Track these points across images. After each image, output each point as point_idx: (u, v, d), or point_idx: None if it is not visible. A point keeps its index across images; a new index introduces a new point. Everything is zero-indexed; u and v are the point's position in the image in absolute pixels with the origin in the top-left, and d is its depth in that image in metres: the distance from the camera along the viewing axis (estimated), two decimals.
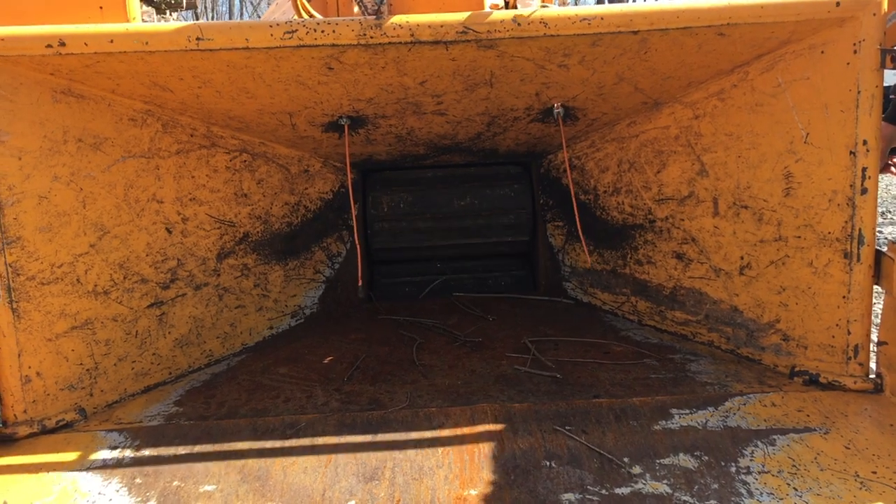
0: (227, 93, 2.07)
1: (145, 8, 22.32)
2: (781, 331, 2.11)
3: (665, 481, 1.67)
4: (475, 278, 2.99)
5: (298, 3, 2.55)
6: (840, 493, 1.58)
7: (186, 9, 30.22)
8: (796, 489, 1.61)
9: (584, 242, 2.42)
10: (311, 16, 2.70)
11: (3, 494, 1.70)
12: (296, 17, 2.83)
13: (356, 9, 2.16)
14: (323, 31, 1.81)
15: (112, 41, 1.79)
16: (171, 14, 25.41)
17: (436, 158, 2.77)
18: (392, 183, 2.88)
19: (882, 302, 1.96)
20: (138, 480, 1.74)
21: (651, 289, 2.49)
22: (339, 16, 2.86)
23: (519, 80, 2.10)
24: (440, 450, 1.80)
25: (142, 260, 2.17)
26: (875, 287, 1.96)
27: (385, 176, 2.89)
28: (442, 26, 1.83)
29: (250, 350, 2.46)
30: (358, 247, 2.50)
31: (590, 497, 1.64)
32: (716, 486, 1.65)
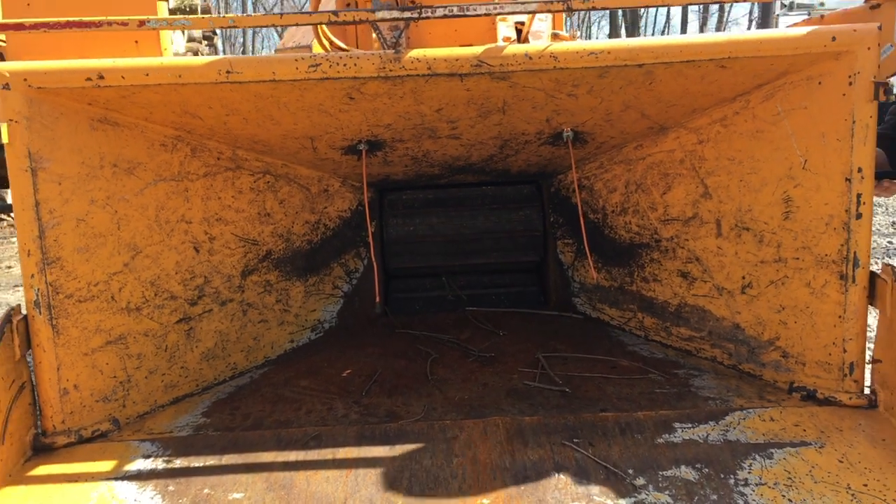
0: (254, 119, 2.18)
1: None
2: (781, 348, 2.20)
3: (667, 492, 1.77)
4: (488, 293, 3.09)
5: (320, 31, 2.66)
6: None
7: (203, 15, 30.53)
8: (791, 500, 1.70)
9: (590, 259, 2.52)
10: (332, 43, 2.82)
11: (45, 501, 1.81)
12: (315, 41, 2.96)
13: (374, 35, 2.28)
14: (345, 65, 1.92)
15: (147, 74, 1.91)
16: None
17: (450, 178, 2.88)
18: (408, 202, 2.99)
19: (876, 321, 2.05)
20: (171, 488, 1.85)
21: (657, 305, 2.59)
22: (357, 42, 2.96)
23: (530, 108, 2.21)
24: (454, 460, 1.90)
25: (171, 277, 2.29)
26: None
27: (401, 195, 3.00)
28: (458, 60, 1.93)
29: (272, 363, 2.57)
30: (374, 264, 2.62)
31: None
32: (715, 497, 1.75)
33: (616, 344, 2.61)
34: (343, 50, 2.94)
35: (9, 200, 11.88)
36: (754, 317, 2.27)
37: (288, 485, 1.84)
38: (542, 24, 2.41)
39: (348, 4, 2.86)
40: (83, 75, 1.90)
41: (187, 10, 26.82)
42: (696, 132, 2.33)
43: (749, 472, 1.82)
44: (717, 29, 61.02)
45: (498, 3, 1.92)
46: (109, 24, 1.80)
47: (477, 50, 1.93)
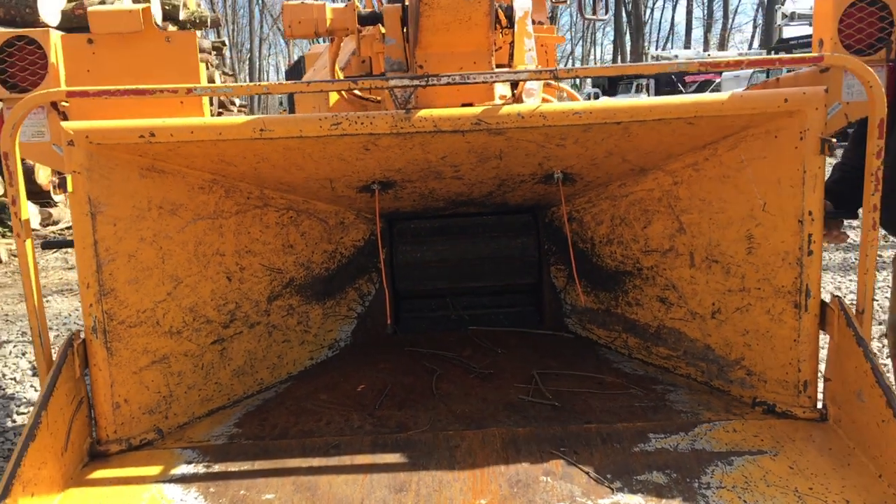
0: (281, 166, 2.49)
1: (172, 28, 22.77)
2: (746, 367, 2.49)
3: (639, 494, 2.05)
4: (488, 313, 3.39)
5: (336, 75, 2.96)
6: None
7: (211, 27, 30.74)
8: (745, 501, 1.98)
9: (578, 285, 2.81)
10: (348, 90, 3.12)
11: (103, 502, 2.11)
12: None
13: (388, 92, 2.58)
14: (362, 123, 2.22)
15: (192, 132, 2.21)
16: (196, 32, 25.85)
17: (454, 210, 3.18)
18: (415, 231, 3.28)
19: (827, 345, 2.34)
20: (212, 490, 2.14)
21: (639, 327, 2.88)
22: (370, 90, 3.24)
23: (524, 155, 2.50)
24: (456, 466, 2.19)
25: (207, 304, 2.59)
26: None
27: (409, 224, 3.30)
28: (459, 119, 2.23)
29: (294, 378, 2.87)
30: (386, 288, 2.91)
31: None
32: (680, 498, 2.03)
33: (603, 361, 2.91)
34: (358, 97, 3.24)
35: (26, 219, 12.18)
36: (723, 339, 2.56)
37: (313, 487, 2.14)
38: (534, 83, 2.70)
39: (363, 61, 3.17)
40: (137, 133, 2.20)
41: (197, 21, 27.01)
42: (671, 174, 2.63)
43: (711, 477, 2.10)
44: (721, 37, 60.90)
45: (493, 73, 2.22)
46: (161, 91, 2.10)
47: (476, 110, 2.23)
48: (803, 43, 23.61)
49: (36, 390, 5.13)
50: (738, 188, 2.43)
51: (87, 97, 2.14)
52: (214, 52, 29.03)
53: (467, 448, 2.29)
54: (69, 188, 2.17)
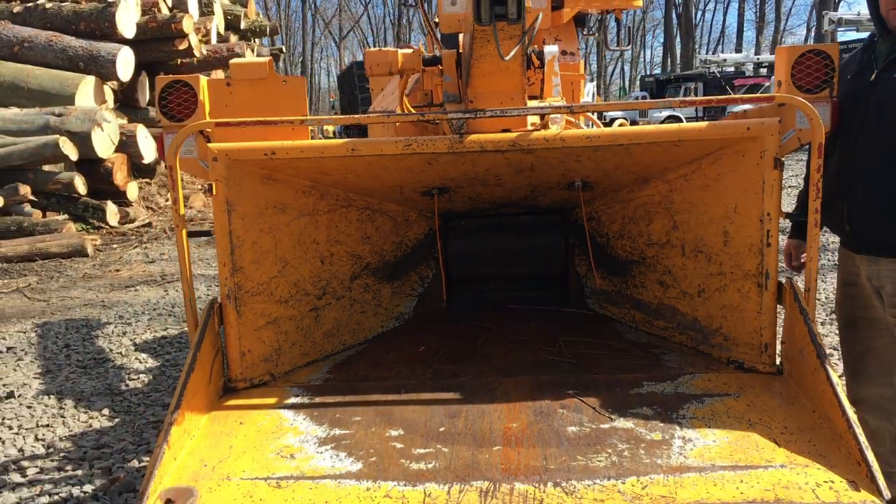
0: (363, 176, 3.26)
1: (233, 39, 23.71)
2: (723, 334, 3.18)
3: (631, 421, 2.76)
4: (523, 295, 4.13)
5: (404, 103, 3.73)
6: (734, 428, 2.66)
7: (270, 35, 31.69)
8: (709, 426, 2.69)
9: (595, 272, 3.53)
10: (409, 110, 3.89)
11: (240, 420, 2.90)
12: (398, 108, 4.04)
13: (443, 97, 3.32)
14: (427, 145, 2.97)
15: (302, 151, 2.99)
16: (255, 40, 26.94)
17: (496, 210, 3.93)
18: (465, 227, 4.04)
19: (783, 315, 3.02)
20: (315, 414, 2.92)
21: (643, 304, 3.59)
22: (433, 101, 4.02)
23: (550, 168, 3.24)
24: (495, 401, 2.92)
25: (306, 280, 3.38)
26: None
27: (461, 222, 4.05)
28: (499, 142, 2.97)
29: (370, 341, 3.64)
30: (442, 272, 3.67)
31: (584, 428, 2.74)
32: (661, 423, 2.73)
33: (614, 332, 3.62)
34: (421, 121, 4.00)
35: (127, 216, 13.28)
36: (706, 313, 3.25)
37: (388, 413, 2.90)
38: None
39: (426, 94, 3.93)
40: (261, 152, 2.99)
41: (257, 30, 27.98)
42: (667, 183, 3.33)
43: (686, 411, 2.80)
44: (773, 39, 60.13)
45: (525, 109, 2.96)
46: (282, 122, 2.90)
47: (512, 135, 2.97)
48: (850, 49, 23.73)
49: (140, 362, 6.04)
50: (717, 195, 3.13)
51: (228, 126, 2.94)
52: (272, 60, 30.10)
53: (503, 390, 3.03)
54: (214, 192, 2.98)
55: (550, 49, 3.37)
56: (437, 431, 2.73)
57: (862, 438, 2.37)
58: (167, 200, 15.75)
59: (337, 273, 3.53)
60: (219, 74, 20.49)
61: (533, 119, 3.20)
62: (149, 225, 13.72)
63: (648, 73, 67.36)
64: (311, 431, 2.79)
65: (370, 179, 3.31)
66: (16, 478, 4.00)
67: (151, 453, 4.15)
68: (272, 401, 3.02)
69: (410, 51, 3.45)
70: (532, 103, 3.30)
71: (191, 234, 3.76)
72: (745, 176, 2.98)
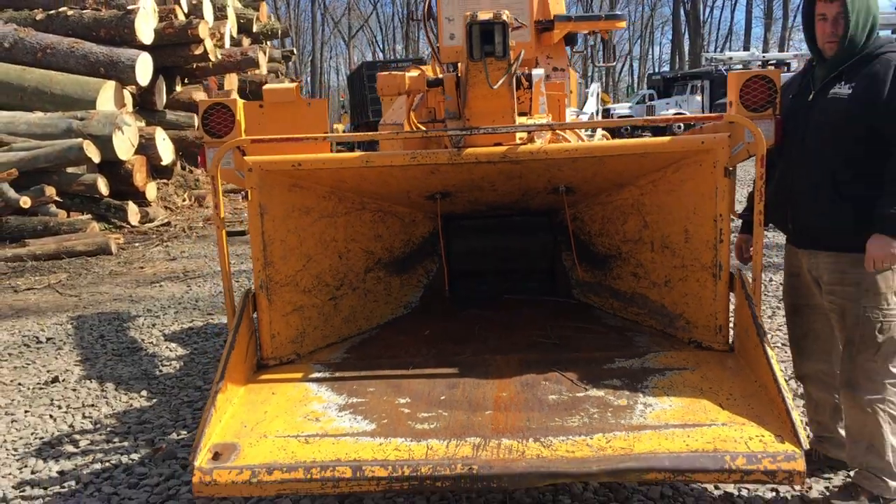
0: (376, 182, 3.79)
1: (245, 41, 24.20)
2: (685, 318, 3.69)
3: (602, 390, 3.27)
4: (516, 286, 4.66)
5: (411, 118, 4.26)
6: (687, 395, 3.17)
7: (282, 37, 32.25)
8: (667, 393, 3.20)
9: (578, 266, 4.05)
10: (417, 126, 4.42)
11: (272, 391, 3.42)
12: (406, 122, 4.56)
13: (445, 113, 3.85)
14: (430, 157, 3.50)
15: (324, 163, 3.51)
16: (267, 42, 27.46)
17: (492, 212, 4.45)
18: (465, 227, 4.56)
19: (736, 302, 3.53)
20: (336, 385, 3.44)
21: (620, 294, 4.11)
22: (436, 116, 4.55)
23: (536, 176, 3.76)
24: (489, 376, 3.43)
25: (326, 273, 3.91)
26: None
27: (461, 222, 4.58)
28: (492, 154, 3.47)
29: (381, 327, 4.17)
30: (445, 266, 4.20)
31: (563, 396, 3.25)
32: (627, 392, 3.24)
33: (595, 318, 4.14)
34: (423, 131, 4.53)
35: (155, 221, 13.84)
36: (672, 300, 3.76)
37: (398, 384, 3.42)
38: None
39: (430, 111, 4.44)
40: (290, 164, 3.52)
41: (269, 32, 28.51)
42: (639, 188, 3.84)
43: (649, 382, 3.31)
44: (781, 37, 60.19)
45: (514, 126, 3.48)
46: (307, 139, 3.43)
47: (503, 149, 3.48)
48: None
49: (171, 351, 6.60)
50: (680, 198, 3.64)
51: (262, 142, 3.48)
52: (283, 61, 30.65)
53: (496, 366, 3.55)
54: (249, 197, 3.51)
55: (537, 72, 3.89)
56: (439, 399, 3.26)
57: (789, 401, 2.88)
58: (184, 200, 16.36)
59: (353, 267, 4.06)
60: (232, 78, 21.08)
61: (521, 134, 3.72)
62: (168, 224, 14.30)
63: (657, 70, 67.63)
64: (332, 400, 3.32)
65: (381, 186, 3.84)
66: (70, 448, 4.55)
67: (188, 428, 4.72)
68: (299, 375, 3.55)
69: (417, 73, 3.98)
70: (521, 120, 3.82)
71: (229, 234, 4.32)
72: (702, 182, 3.48)
